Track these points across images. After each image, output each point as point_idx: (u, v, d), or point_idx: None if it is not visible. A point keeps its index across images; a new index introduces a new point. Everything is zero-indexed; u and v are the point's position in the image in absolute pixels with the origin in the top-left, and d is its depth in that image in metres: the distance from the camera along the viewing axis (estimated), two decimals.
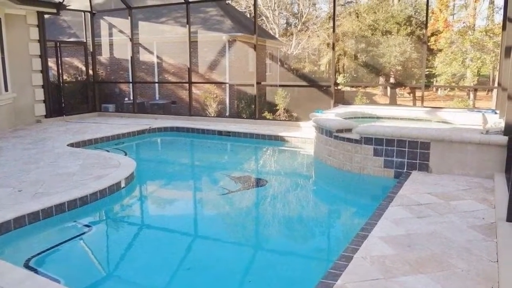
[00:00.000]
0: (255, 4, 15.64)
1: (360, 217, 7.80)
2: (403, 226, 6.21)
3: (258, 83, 16.96)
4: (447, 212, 6.81)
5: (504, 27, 12.96)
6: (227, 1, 34.94)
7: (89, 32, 20.23)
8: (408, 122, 12.91)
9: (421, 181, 8.64)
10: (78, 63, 27.43)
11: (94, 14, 20.12)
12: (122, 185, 8.87)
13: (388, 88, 39.17)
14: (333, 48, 15.88)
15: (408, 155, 9.40)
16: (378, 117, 13.77)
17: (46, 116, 17.71)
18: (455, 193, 7.82)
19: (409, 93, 38.58)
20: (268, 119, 23.38)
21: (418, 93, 30.87)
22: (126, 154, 12.41)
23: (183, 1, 17.87)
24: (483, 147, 8.76)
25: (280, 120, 24.38)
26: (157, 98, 30.59)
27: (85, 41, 20.21)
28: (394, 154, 9.50)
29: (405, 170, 9.44)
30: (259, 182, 10.37)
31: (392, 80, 36.22)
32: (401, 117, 13.55)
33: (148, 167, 12.47)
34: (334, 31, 15.86)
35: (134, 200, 9.33)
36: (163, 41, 30.53)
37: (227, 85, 29.04)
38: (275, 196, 9.71)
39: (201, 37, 29.81)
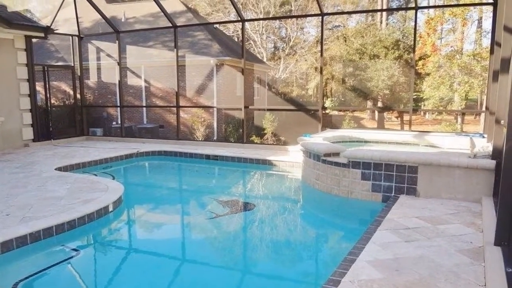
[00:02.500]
0: (242, 28, 15.67)
1: (348, 241, 7.79)
2: (391, 250, 6.22)
3: (246, 107, 16.99)
4: (435, 236, 6.83)
5: (491, 51, 13.08)
6: (215, 26, 35.10)
7: (76, 56, 20.24)
8: (396, 146, 12.97)
9: (409, 205, 8.66)
10: (66, 87, 27.46)
11: (82, 38, 20.14)
12: (110, 209, 8.85)
13: (376, 112, 39.38)
14: (321, 72, 15.94)
15: (396, 179, 9.43)
16: (365, 141, 13.82)
17: (34, 140, 17.67)
18: (443, 217, 7.84)
19: (396, 117, 38.79)
20: (256, 143, 23.39)
21: (406, 117, 31.01)
22: (114, 178, 12.40)
23: (171, 25, 17.91)
24: (471, 171, 8.80)
25: (268, 144, 24.42)
26: (145, 122, 30.58)
27: (73, 65, 20.20)
28: (382, 178, 9.53)
29: (393, 194, 9.46)
30: (246, 206, 10.35)
31: (380, 104, 36.40)
32: (389, 141, 13.61)
33: (136, 191, 12.42)
34: (322, 55, 15.95)
35: (122, 224, 9.29)
36: (151, 65, 30.60)
37: (215, 109, 29.10)
38: (262, 220, 9.69)
39: (189, 61, 29.89)
